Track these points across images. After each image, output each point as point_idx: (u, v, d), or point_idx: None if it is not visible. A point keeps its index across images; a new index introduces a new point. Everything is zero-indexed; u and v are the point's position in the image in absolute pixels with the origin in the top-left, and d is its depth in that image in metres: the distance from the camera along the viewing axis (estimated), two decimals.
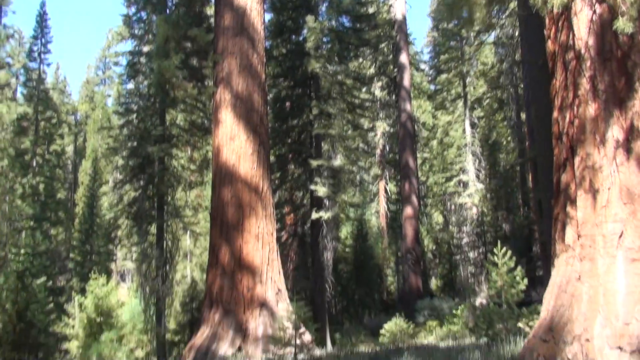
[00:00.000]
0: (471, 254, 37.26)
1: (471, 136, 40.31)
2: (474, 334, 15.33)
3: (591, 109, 10.39)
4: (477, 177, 39.83)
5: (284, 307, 18.73)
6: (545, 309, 10.64)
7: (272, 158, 27.35)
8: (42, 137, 46.16)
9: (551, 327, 10.17)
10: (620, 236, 9.81)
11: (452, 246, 40.07)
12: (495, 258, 14.67)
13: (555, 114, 11.38)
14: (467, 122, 40.70)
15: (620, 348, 9.00)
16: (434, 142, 44.73)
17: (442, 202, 45.09)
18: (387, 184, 44.97)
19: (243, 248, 18.84)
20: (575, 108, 10.64)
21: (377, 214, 47.68)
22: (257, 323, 18.40)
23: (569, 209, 10.60)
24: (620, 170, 10.00)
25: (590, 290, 9.80)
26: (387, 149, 45.56)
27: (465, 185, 39.79)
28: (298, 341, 15.75)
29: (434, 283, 41.42)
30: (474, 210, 38.60)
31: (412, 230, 35.97)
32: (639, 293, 9.35)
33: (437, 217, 48.20)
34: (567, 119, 10.80)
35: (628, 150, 10.05)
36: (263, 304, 18.64)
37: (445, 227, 44.81)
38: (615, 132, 10.14)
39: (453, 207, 42.09)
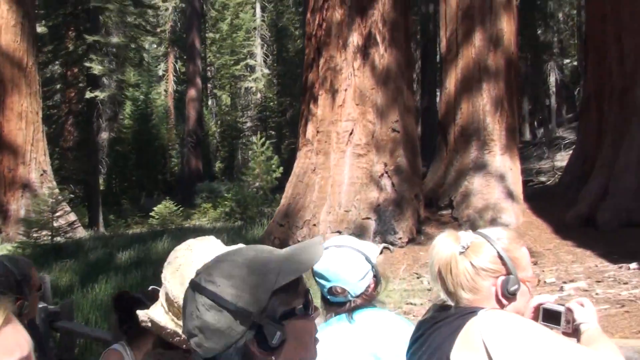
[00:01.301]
0: (253, 138, 38.53)
1: (260, 19, 40.48)
2: (231, 217, 16.52)
3: (337, 14, 11.28)
4: (265, 62, 40.50)
5: (48, 188, 18.24)
6: (285, 196, 11.88)
7: (43, 29, 25.12)
8: None
9: (287, 213, 11.45)
10: (351, 134, 11.16)
11: (235, 130, 41.00)
12: (255, 147, 15.63)
13: (307, 15, 12.13)
14: (258, 6, 40.64)
15: (339, 232, 10.51)
16: (224, 24, 44.09)
17: (230, 85, 45.30)
18: (176, 64, 43.87)
19: (4, 126, 17.67)
20: (324, 12, 11.43)
21: (165, 94, 46.67)
22: (18, 205, 17.80)
23: (311, 106, 11.66)
24: (356, 74, 11.18)
25: (322, 181, 11.14)
26: (179, 26, 44.01)
27: (252, 69, 40.36)
28: (62, 222, 15.65)
29: (217, 166, 42.37)
30: (259, 95, 39.60)
31: (194, 112, 36.02)
32: (359, 185, 10.89)
33: (226, 100, 48.54)
34: (317, 21, 11.59)
35: (364, 56, 11.22)
36: (26, 186, 17.98)
37: (232, 110, 45.44)
38: (355, 38, 11.21)
39: (239, 90, 42.63)
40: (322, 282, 2.16)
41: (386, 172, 11.07)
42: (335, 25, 11.26)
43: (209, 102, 45.74)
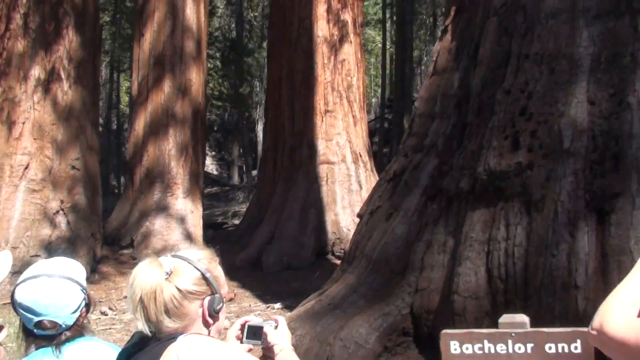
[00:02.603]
0: None
1: None
2: None
3: (20, 45, 11.11)
4: None
5: None
6: None
7: None
8: None
9: None
10: (26, 168, 10.96)
11: None
12: None
13: None
14: None
15: None
16: None
17: None
18: None
19: None
20: (5, 40, 11.16)
21: None
22: None
23: None
24: (36, 108, 11.08)
25: None
26: None
27: None
28: None
29: None
30: None
31: None
32: (31, 221, 10.70)
33: None
34: None
35: (46, 91, 11.20)
36: None
37: None
38: (37, 71, 11.15)
39: None
40: (29, 315, 2.03)
41: (62, 210, 11.08)
42: (15, 56, 11.06)
43: None
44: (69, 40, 11.38)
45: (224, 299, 1.76)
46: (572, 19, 4.68)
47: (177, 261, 1.71)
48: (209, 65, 18.74)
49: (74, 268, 2.18)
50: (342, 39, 13.11)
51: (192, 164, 13.22)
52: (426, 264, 4.86)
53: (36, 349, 2.06)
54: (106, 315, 9.22)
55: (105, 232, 13.00)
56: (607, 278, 3.94)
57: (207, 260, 1.75)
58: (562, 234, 4.10)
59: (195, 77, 13.34)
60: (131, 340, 1.76)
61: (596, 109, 4.39)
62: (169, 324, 1.65)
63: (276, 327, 1.87)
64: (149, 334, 1.65)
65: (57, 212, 11.02)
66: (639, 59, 4.42)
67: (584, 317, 3.88)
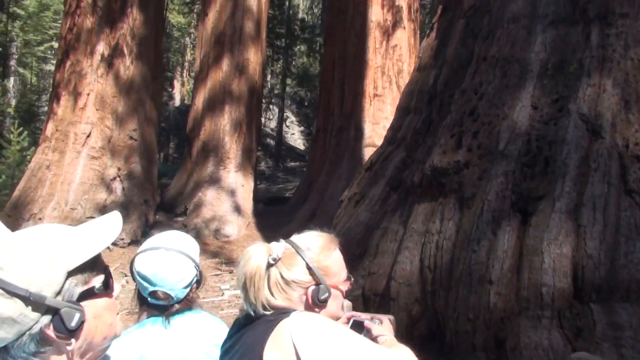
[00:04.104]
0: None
1: None
2: None
3: (88, 22, 12.18)
4: None
5: None
6: (18, 189, 12.43)
7: None
8: None
9: (17, 204, 12.03)
10: (88, 136, 12.10)
11: (29, 113, 39.42)
12: (12, 136, 15.85)
13: (63, 17, 12.89)
14: None
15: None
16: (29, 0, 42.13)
17: (33, 65, 43.28)
18: None
19: None
20: (75, 17, 12.27)
21: None
22: None
23: (54, 105, 12.39)
24: (99, 81, 12.16)
25: (54, 178, 11.91)
26: None
27: None
28: None
29: None
30: None
31: None
32: (89, 185, 11.85)
33: (32, 79, 46.15)
34: (67, 25, 12.39)
35: (109, 65, 12.24)
36: None
37: (29, 92, 43.40)
38: (103, 46, 12.20)
39: (41, 72, 41.02)
40: (145, 284, 2.14)
41: (119, 177, 12.16)
42: (84, 32, 12.15)
43: (12, 80, 43.24)
44: (133, 19, 12.34)
45: (341, 287, 1.79)
46: (530, 24, 4.86)
47: (287, 248, 1.74)
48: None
49: (190, 244, 2.29)
50: (396, 24, 13.32)
51: (245, 140, 13.97)
52: (380, 250, 5.26)
53: (147, 317, 2.18)
54: None
55: (164, 199, 14.08)
56: (519, 276, 4.21)
57: (318, 249, 1.76)
58: (484, 231, 4.38)
59: (253, 57, 14.02)
60: (244, 311, 1.79)
61: (538, 114, 4.60)
62: (276, 302, 1.69)
63: (380, 323, 1.89)
64: (252, 313, 1.71)
65: (114, 178, 12.10)
66: (585, 67, 4.58)
67: (494, 310, 4.19)
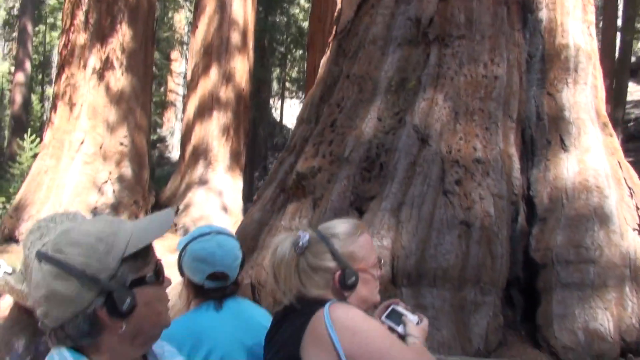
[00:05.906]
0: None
1: None
2: None
3: (82, 38, 13.28)
4: None
5: None
6: (20, 192, 13.64)
7: None
8: None
9: (18, 207, 13.23)
10: (82, 143, 13.19)
11: None
12: (25, 143, 17.15)
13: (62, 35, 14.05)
14: None
15: None
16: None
17: None
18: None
19: None
20: (70, 34, 13.39)
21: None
22: None
23: (52, 114, 13.55)
24: (91, 92, 13.24)
25: (50, 182, 13.05)
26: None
27: None
28: None
29: None
30: None
31: (20, 97, 36.15)
32: (82, 188, 12.94)
33: None
34: (63, 41, 13.53)
35: (101, 77, 13.31)
36: None
37: None
38: (94, 60, 13.28)
39: None
40: (204, 266, 2.15)
41: (110, 180, 13.22)
42: (78, 47, 13.24)
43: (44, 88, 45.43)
44: (122, 34, 13.38)
45: (371, 271, 1.82)
46: (385, 45, 5.58)
47: (313, 236, 1.78)
48: None
49: (231, 230, 2.38)
50: None
51: (233, 144, 14.87)
52: (265, 244, 6.04)
53: (199, 305, 2.19)
54: None
55: (160, 200, 15.11)
56: None
57: (343, 234, 1.80)
58: None
59: (240, 65, 14.92)
60: (279, 307, 1.83)
61: (381, 125, 5.31)
62: (306, 292, 1.73)
63: (418, 322, 1.87)
64: (286, 302, 1.75)
65: (105, 182, 13.15)
66: (423, 83, 5.27)
67: None
